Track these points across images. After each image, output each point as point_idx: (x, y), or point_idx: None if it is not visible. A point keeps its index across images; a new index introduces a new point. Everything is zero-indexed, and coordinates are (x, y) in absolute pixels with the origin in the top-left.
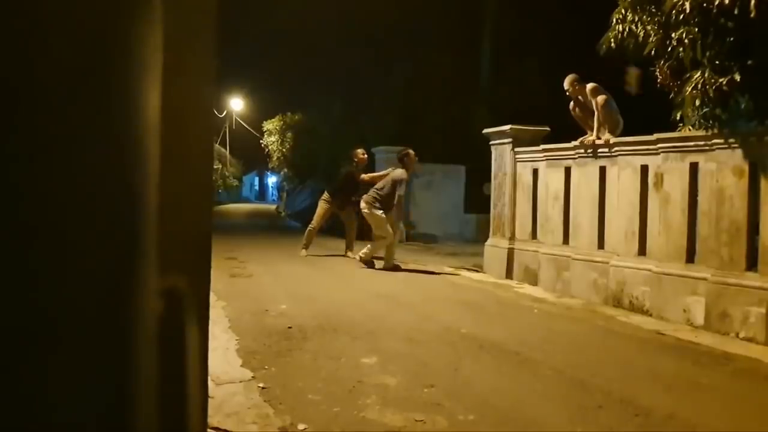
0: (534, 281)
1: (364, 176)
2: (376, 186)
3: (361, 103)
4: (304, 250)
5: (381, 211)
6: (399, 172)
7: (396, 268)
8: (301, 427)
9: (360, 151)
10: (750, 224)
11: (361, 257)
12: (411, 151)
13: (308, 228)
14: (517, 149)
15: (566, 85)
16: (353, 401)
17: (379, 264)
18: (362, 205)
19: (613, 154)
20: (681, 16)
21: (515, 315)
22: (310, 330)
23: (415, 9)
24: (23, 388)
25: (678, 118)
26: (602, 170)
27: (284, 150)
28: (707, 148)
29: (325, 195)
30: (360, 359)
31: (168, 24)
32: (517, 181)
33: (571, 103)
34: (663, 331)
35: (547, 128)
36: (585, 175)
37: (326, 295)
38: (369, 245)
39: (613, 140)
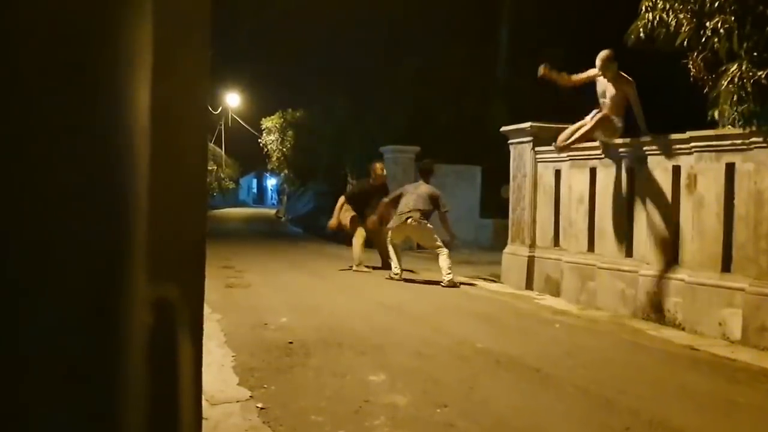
0: (556, 292)
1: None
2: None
3: (368, 98)
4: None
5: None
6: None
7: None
8: None
9: (379, 165)
10: None
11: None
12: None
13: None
14: (537, 148)
15: (601, 60)
16: (360, 423)
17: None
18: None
19: (643, 153)
20: (716, 4)
21: (536, 328)
22: (312, 345)
23: None
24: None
25: (715, 116)
26: (630, 171)
27: (284, 150)
28: (744, 147)
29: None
30: (367, 376)
31: (158, 14)
32: (537, 183)
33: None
34: (696, 346)
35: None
36: (612, 177)
37: (330, 307)
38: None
39: (643, 139)
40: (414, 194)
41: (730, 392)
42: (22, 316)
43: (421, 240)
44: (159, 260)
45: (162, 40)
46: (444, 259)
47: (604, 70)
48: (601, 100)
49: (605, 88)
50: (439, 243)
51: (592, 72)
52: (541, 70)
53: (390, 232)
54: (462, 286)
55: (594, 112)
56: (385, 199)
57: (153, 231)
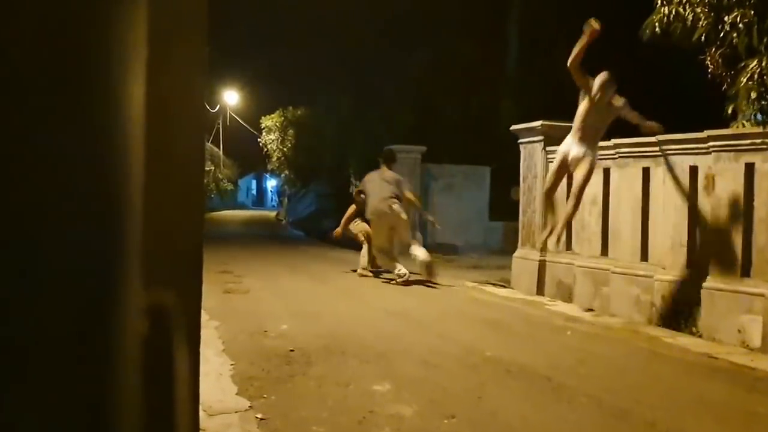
0: (568, 297)
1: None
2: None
3: (372, 96)
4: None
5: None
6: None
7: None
8: None
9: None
10: None
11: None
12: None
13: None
14: (549, 148)
15: (602, 81)
16: None
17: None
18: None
19: (657, 153)
20: None
21: (547, 335)
22: (314, 352)
23: None
24: None
25: (730, 112)
26: (645, 172)
27: (285, 149)
28: (764, 146)
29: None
30: (371, 386)
31: (153, 9)
32: None
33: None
34: (714, 353)
35: None
36: (626, 178)
37: (332, 313)
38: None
39: (658, 138)
40: (383, 181)
41: (750, 402)
42: (8, 324)
43: (400, 229)
44: (154, 265)
45: (157, 35)
46: (417, 246)
47: (602, 93)
48: (585, 107)
49: (600, 107)
50: (411, 234)
51: (591, 83)
52: (595, 23)
53: (371, 234)
54: (470, 291)
55: (570, 143)
56: (355, 189)
57: (147, 234)
